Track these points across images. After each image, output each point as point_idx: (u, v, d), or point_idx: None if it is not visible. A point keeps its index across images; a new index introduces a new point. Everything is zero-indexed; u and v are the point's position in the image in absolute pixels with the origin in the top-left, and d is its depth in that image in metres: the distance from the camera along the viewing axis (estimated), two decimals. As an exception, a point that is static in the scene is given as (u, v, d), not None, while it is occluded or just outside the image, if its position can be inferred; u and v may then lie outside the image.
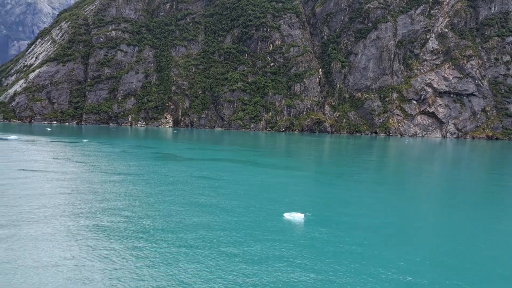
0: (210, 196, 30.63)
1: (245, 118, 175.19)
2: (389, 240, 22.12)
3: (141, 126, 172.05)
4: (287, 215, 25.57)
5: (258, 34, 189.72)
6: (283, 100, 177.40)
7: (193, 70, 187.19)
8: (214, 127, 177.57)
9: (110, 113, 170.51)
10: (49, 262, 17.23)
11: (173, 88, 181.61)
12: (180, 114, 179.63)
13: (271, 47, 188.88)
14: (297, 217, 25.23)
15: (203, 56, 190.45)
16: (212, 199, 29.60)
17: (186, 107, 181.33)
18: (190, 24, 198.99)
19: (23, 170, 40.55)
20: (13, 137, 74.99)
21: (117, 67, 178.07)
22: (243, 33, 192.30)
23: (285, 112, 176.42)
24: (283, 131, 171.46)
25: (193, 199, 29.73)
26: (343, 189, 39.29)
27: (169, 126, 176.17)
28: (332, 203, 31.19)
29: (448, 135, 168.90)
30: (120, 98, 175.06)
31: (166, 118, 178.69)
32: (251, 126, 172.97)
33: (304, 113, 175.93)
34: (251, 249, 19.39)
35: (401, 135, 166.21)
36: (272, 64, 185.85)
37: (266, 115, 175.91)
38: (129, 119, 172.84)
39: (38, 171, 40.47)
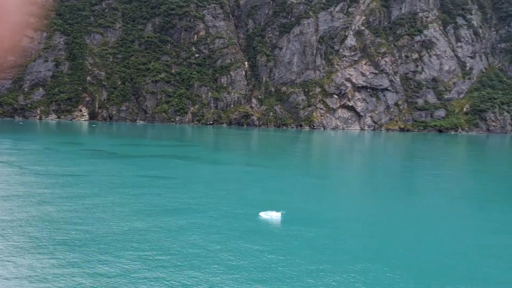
0: (169, 197, 29.50)
1: (170, 110, 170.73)
2: (357, 234, 24.86)
3: (52, 119, 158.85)
4: (263, 214, 25.28)
5: (181, 23, 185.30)
6: (209, 93, 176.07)
7: (111, 60, 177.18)
8: (136, 120, 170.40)
9: (15, 106, 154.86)
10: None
11: (88, 78, 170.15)
12: (97, 106, 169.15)
13: (195, 37, 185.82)
14: (274, 216, 24.98)
15: (121, 44, 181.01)
16: (171, 200, 28.56)
17: (104, 99, 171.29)
18: (106, 10, 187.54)
19: None
20: None
21: (22, 55, 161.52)
22: (165, 22, 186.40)
23: (212, 105, 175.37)
24: (210, 124, 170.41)
25: (153, 201, 28.46)
26: (305, 184, 40.86)
27: (85, 120, 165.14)
28: (300, 199, 32.02)
29: (366, 127, 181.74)
30: (26, 89, 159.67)
31: (81, 110, 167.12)
32: (177, 119, 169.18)
33: (232, 106, 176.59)
34: (230, 253, 19.00)
35: (324, 128, 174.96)
36: (197, 55, 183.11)
37: (192, 108, 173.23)
38: (38, 112, 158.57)
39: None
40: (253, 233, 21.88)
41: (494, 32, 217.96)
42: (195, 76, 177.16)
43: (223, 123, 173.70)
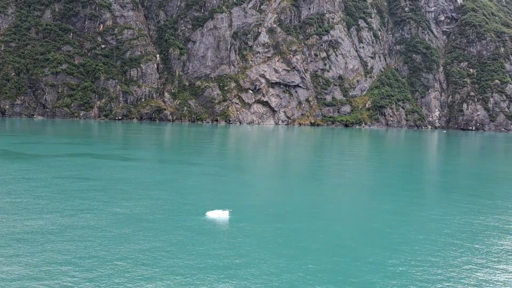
0: (102, 201, 27.01)
1: (73, 105, 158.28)
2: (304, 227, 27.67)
3: None
4: (210, 214, 24.58)
5: (85, 11, 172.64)
6: (118, 86, 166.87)
7: (2, 48, 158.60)
8: (34, 115, 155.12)
9: None
10: None
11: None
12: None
13: (101, 27, 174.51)
14: (221, 215, 24.47)
15: (15, 32, 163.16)
16: (105, 204, 26.24)
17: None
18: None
19: None
20: None
21: None
22: (66, 9, 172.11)
23: (121, 99, 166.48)
24: (119, 119, 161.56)
25: (83, 206, 25.59)
26: (242, 180, 41.04)
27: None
28: (241, 195, 31.81)
29: (280, 122, 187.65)
30: None
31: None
32: (81, 114, 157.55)
33: (143, 100, 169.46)
34: (182, 256, 18.20)
35: (240, 123, 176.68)
36: (103, 46, 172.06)
37: (98, 102, 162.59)
38: None
39: None
40: (204, 234, 21.22)
41: (391, 35, 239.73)
42: (101, 68, 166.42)
43: (133, 118, 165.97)
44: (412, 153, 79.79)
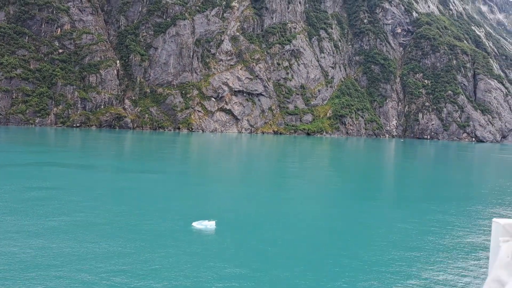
0: (80, 212, 27.14)
1: (28, 111, 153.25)
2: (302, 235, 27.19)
3: None
4: (197, 224, 24.18)
5: (41, 15, 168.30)
6: (76, 92, 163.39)
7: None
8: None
9: None
10: None
11: None
12: None
13: (59, 31, 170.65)
14: (208, 225, 24.11)
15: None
16: (85, 216, 26.22)
17: None
18: None
19: None
20: None
21: None
22: (21, 11, 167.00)
23: (79, 105, 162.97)
24: (77, 126, 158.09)
25: (61, 217, 25.83)
26: (218, 189, 42.32)
27: None
28: (224, 205, 32.93)
29: (243, 130, 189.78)
30: None
31: None
32: (37, 121, 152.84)
33: (102, 107, 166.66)
34: (173, 269, 18.39)
35: (203, 131, 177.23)
36: (61, 51, 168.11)
37: (55, 109, 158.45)
38: None
39: None
40: (192, 245, 21.33)
41: (350, 46, 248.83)
42: (59, 74, 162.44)
43: (92, 125, 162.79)
44: (373, 161, 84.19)
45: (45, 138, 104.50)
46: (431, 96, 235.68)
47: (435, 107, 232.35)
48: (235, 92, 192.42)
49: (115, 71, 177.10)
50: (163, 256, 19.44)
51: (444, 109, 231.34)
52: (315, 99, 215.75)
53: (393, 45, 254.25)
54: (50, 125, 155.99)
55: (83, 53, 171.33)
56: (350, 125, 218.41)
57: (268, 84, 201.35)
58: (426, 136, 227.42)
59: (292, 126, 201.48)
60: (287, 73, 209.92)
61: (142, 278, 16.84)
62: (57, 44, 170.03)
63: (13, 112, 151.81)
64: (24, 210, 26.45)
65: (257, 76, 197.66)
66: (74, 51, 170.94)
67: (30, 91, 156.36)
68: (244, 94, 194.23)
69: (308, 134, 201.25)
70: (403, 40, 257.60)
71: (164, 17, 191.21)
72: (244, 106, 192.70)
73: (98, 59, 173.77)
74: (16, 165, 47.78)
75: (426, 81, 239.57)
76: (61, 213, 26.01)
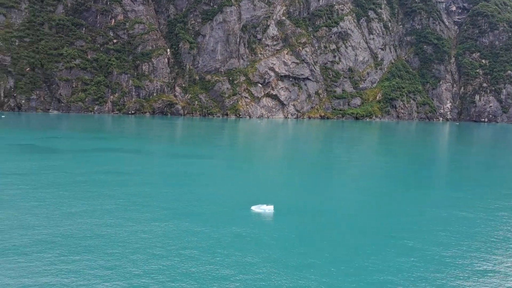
0: (148, 196, 29.55)
1: (87, 99, 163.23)
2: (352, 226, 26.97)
3: None
4: (255, 208, 25.08)
5: (96, 6, 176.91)
6: (130, 81, 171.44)
7: (17, 43, 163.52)
8: (49, 110, 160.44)
9: None
10: None
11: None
12: (2, 95, 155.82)
13: (113, 22, 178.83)
14: (267, 209, 24.92)
15: (28, 27, 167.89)
16: (154, 199, 28.56)
17: (10, 87, 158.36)
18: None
19: None
20: None
21: None
22: (78, 4, 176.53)
23: (133, 93, 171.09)
24: (132, 113, 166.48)
25: (132, 200, 28.88)
26: (277, 174, 44.36)
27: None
28: (282, 190, 34.71)
29: (289, 115, 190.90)
30: None
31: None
32: (95, 109, 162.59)
33: (155, 94, 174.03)
34: (233, 251, 19.67)
35: (250, 117, 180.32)
36: (115, 41, 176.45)
37: (112, 97, 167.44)
38: None
39: None
40: (252, 228, 22.32)
41: (401, 26, 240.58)
42: (114, 63, 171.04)
43: (145, 112, 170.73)
44: (431, 147, 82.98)
45: (105, 125, 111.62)
46: (489, 76, 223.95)
47: (493, 88, 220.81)
48: (281, 77, 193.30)
49: (166, 60, 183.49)
50: (226, 235, 21.20)
51: (503, 90, 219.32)
52: (364, 82, 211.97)
53: (447, 23, 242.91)
54: (108, 112, 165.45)
55: (135, 43, 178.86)
56: (401, 108, 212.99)
57: (314, 68, 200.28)
58: (483, 119, 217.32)
59: (340, 110, 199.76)
60: (334, 56, 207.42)
61: (209, 254, 19.15)
62: (112, 35, 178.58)
63: (73, 100, 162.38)
64: (95, 191, 29.85)
65: (303, 60, 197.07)
66: (127, 41, 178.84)
67: (88, 80, 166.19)
68: (290, 79, 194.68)
69: (356, 118, 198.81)
70: (458, 18, 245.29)
71: (211, 4, 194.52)
72: (290, 91, 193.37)
73: (150, 48, 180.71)
74: (85, 151, 52.55)
75: (483, 60, 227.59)
76: (137, 194, 29.20)
